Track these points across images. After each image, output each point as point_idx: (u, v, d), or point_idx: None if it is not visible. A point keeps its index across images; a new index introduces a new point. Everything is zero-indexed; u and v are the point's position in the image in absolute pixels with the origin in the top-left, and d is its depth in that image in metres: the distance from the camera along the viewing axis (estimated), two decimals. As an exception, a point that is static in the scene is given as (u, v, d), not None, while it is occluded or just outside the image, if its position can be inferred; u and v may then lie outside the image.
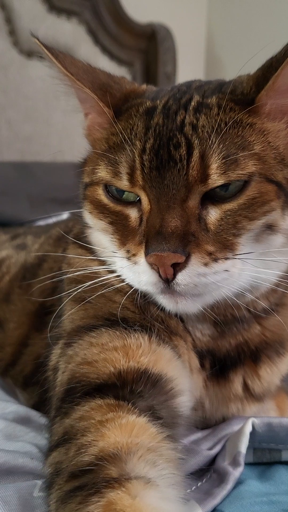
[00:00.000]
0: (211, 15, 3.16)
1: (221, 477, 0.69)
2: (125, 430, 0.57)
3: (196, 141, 0.66)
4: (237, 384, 0.81)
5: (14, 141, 2.50)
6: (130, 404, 0.62)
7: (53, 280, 0.91)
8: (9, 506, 0.58)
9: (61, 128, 2.59)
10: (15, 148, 2.50)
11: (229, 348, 0.80)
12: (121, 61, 2.70)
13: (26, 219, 1.86)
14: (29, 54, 2.45)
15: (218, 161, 0.65)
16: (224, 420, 0.84)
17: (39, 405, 0.88)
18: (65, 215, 1.81)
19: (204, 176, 0.66)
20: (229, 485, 0.67)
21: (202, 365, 0.80)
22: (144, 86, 0.87)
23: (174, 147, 0.67)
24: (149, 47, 2.73)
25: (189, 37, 3.02)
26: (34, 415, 0.86)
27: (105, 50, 2.64)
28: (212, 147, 0.65)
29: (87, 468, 0.53)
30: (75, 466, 0.55)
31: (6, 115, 2.44)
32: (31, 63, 2.47)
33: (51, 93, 2.51)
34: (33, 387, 0.94)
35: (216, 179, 0.65)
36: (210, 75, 3.13)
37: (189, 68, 2.98)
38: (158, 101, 0.74)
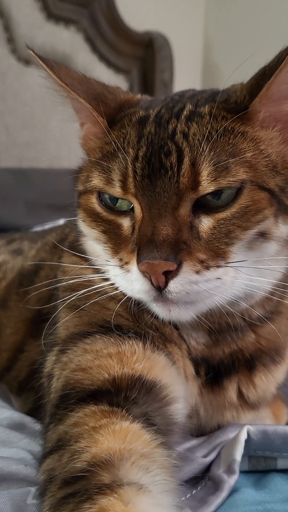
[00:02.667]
0: (208, 23, 3.18)
1: (216, 485, 0.68)
2: (118, 436, 0.57)
3: (186, 149, 0.66)
4: (231, 392, 0.81)
5: (12, 147, 2.51)
6: (124, 410, 0.62)
7: (49, 288, 0.91)
8: (2, 513, 0.57)
9: (59, 134, 2.59)
10: (12, 154, 2.51)
11: (223, 356, 0.80)
12: (118, 69, 2.71)
13: (22, 225, 1.86)
14: (27, 61, 2.46)
15: (209, 167, 0.65)
16: (219, 427, 0.83)
17: (34, 412, 0.88)
18: (61, 222, 1.81)
19: (195, 183, 0.66)
20: (224, 493, 0.66)
21: (197, 372, 0.79)
22: (138, 96, 0.88)
23: (165, 155, 0.67)
24: (146, 55, 2.75)
25: (186, 45, 3.04)
26: (29, 421, 0.86)
27: (102, 57, 2.66)
28: (203, 154, 0.65)
29: (79, 474, 0.53)
30: (68, 473, 0.55)
31: (4, 122, 2.45)
32: (29, 70, 2.48)
33: (48, 100, 2.51)
34: (28, 393, 0.94)
35: (207, 186, 0.66)
36: (207, 83, 3.14)
37: (186, 76, 3.00)
38: (151, 110, 0.75)
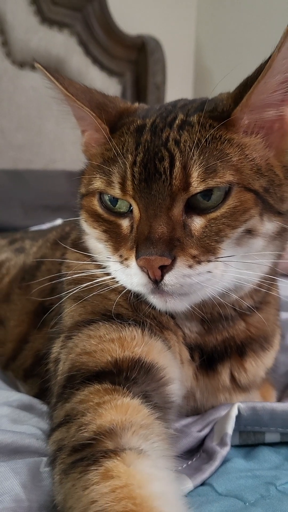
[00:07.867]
0: (199, 27, 3.21)
1: (210, 456, 0.74)
2: (120, 410, 0.63)
3: (178, 154, 0.73)
4: (224, 376, 0.87)
5: (7, 149, 2.53)
6: (125, 388, 0.68)
7: (52, 282, 0.97)
8: (20, 476, 0.63)
9: (53, 137, 2.61)
10: (7, 156, 2.53)
11: (216, 343, 0.86)
12: (111, 72, 2.72)
13: (20, 226, 1.89)
14: (22, 64, 2.48)
15: (198, 170, 0.72)
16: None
17: (40, 396, 0.94)
18: (59, 222, 1.85)
19: (186, 184, 0.72)
20: (217, 462, 0.72)
21: (192, 357, 0.86)
22: (136, 105, 0.94)
23: (159, 160, 0.74)
24: (139, 58, 2.78)
25: (178, 48, 3.07)
26: (37, 403, 0.91)
27: (96, 61, 2.68)
28: (193, 158, 0.72)
29: (86, 442, 0.59)
30: (76, 441, 0.61)
31: (-1, 124, 2.48)
32: (23, 73, 2.50)
33: (43, 103, 2.51)
34: (34, 378, 1.00)
35: (197, 186, 0.72)
36: (199, 86, 3.16)
37: (178, 79, 3.02)
38: (147, 120, 0.81)
